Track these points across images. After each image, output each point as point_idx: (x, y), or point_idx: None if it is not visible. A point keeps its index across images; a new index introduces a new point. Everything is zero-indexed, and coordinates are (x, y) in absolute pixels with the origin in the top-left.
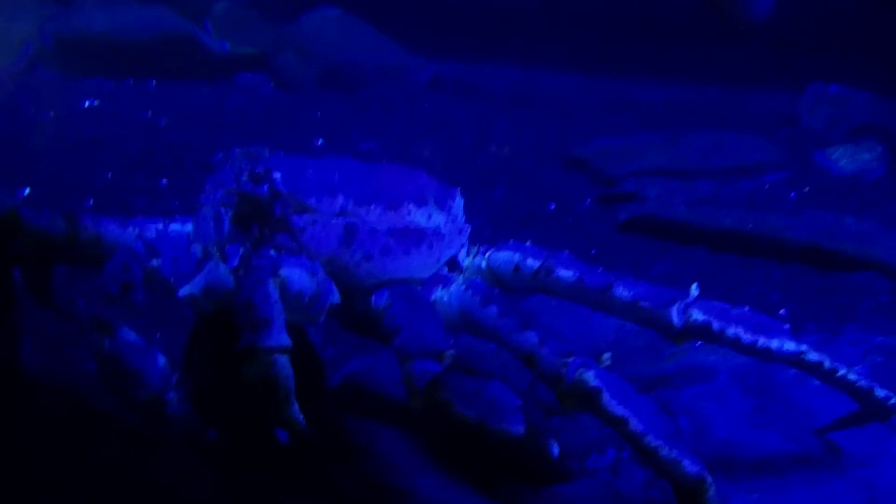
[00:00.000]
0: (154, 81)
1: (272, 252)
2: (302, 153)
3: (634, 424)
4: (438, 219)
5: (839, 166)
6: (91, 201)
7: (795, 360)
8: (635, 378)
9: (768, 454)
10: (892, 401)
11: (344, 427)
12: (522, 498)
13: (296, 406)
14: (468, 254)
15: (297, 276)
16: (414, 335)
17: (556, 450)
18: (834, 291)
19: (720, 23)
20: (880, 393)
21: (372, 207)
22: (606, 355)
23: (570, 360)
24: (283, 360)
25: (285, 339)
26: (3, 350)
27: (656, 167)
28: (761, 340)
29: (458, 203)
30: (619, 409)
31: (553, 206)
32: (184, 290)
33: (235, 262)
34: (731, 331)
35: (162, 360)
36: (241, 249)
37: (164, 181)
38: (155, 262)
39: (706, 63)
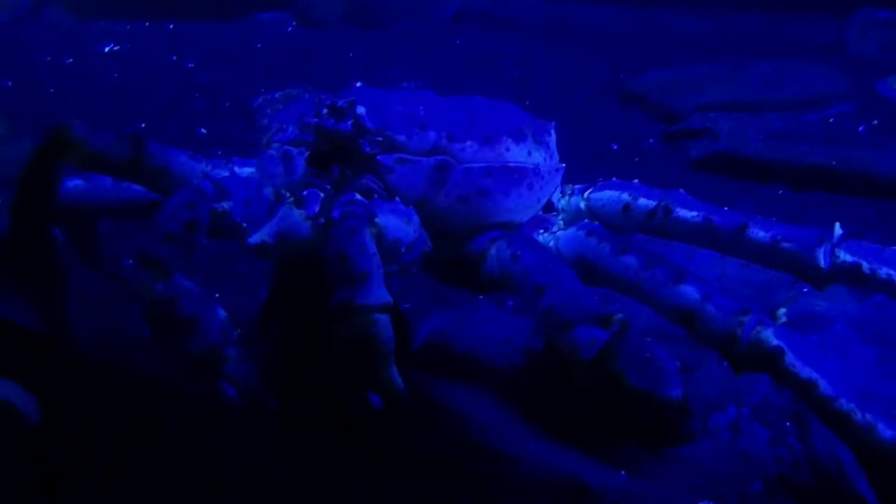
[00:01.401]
0: (171, 23)
1: (357, 196)
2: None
3: (824, 387)
4: (538, 155)
5: None
6: None
7: None
8: None
9: None
10: None
11: (435, 391)
12: (646, 462)
13: (395, 368)
14: (562, 194)
15: (392, 223)
16: (566, 294)
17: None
18: None
19: None
20: None
21: (467, 143)
22: (782, 311)
23: (747, 318)
24: (384, 319)
25: (385, 296)
26: (51, 315)
27: (721, 100)
28: None
29: (553, 138)
30: (805, 371)
31: (616, 147)
32: (254, 238)
33: (316, 208)
34: (884, 272)
35: (222, 313)
36: (322, 194)
37: (203, 129)
38: (225, 205)
39: None
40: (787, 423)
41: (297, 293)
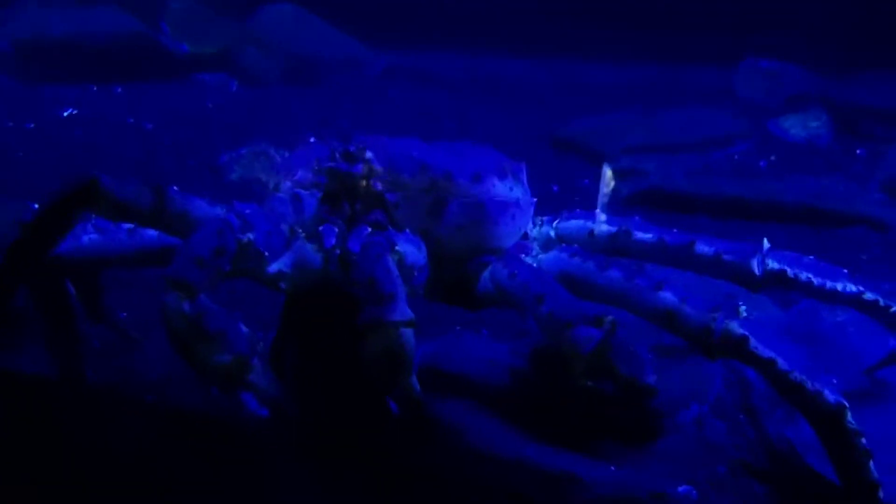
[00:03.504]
0: (118, 86)
1: (369, 229)
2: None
3: (781, 363)
4: (517, 190)
5: (792, 134)
6: None
7: (856, 299)
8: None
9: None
10: None
11: (434, 409)
12: (630, 456)
13: (415, 376)
14: (533, 224)
15: (409, 250)
16: (563, 301)
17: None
18: (834, 247)
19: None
20: None
21: (461, 181)
22: (743, 307)
23: (718, 314)
24: (409, 333)
25: (410, 313)
26: (68, 363)
27: (642, 143)
28: (828, 283)
29: (525, 176)
30: (766, 353)
31: (556, 188)
32: (273, 267)
33: (333, 241)
34: (804, 276)
35: (245, 328)
36: (336, 229)
37: (175, 186)
38: (250, 235)
39: (644, 45)
40: (740, 416)
41: (308, 321)
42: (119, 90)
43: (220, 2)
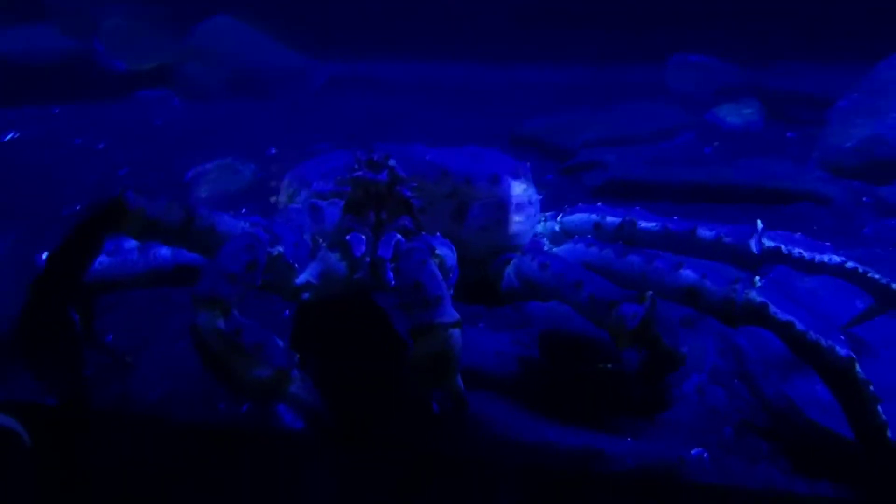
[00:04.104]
0: (56, 107)
1: (398, 235)
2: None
3: (799, 325)
4: (530, 189)
5: (728, 122)
6: None
7: (840, 269)
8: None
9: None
10: None
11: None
12: (643, 428)
13: (459, 375)
14: (538, 221)
15: (446, 253)
16: (600, 284)
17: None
18: (785, 222)
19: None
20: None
21: (479, 184)
22: (757, 278)
23: (738, 285)
24: (457, 333)
25: (456, 314)
26: (72, 386)
27: (598, 137)
28: (817, 256)
29: (531, 175)
30: (784, 316)
31: None
32: (301, 278)
33: (363, 249)
34: (796, 251)
35: (279, 340)
36: (364, 237)
37: None
38: (280, 248)
39: (580, 47)
40: (735, 381)
41: (323, 330)
42: (57, 110)
43: (157, 17)
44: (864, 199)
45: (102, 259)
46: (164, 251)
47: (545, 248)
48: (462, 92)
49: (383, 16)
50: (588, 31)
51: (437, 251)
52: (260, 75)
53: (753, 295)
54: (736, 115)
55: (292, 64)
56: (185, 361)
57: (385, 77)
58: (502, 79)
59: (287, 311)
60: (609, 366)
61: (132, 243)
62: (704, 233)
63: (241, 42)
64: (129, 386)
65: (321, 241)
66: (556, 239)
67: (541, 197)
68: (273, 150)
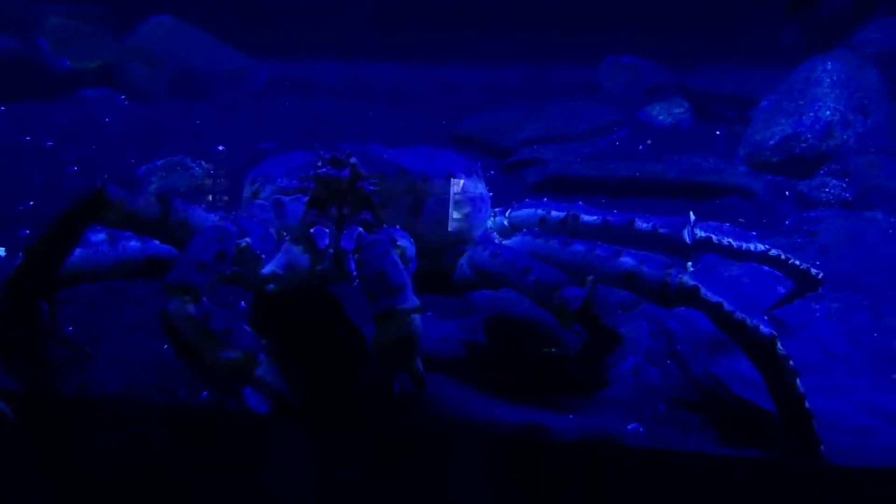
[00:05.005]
0: (1, 105)
1: (361, 229)
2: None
3: (727, 305)
4: (480, 186)
5: (660, 120)
6: (28, 233)
7: (764, 256)
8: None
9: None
10: (821, 275)
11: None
12: (584, 405)
13: (419, 358)
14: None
15: (407, 244)
16: (545, 270)
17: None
18: (714, 214)
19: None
20: (814, 271)
21: (435, 181)
22: (689, 264)
23: (672, 270)
24: (418, 318)
25: (417, 300)
26: (40, 376)
27: (536, 135)
28: (744, 245)
29: (482, 172)
30: (714, 298)
31: None
32: (267, 269)
33: (326, 242)
34: (725, 241)
35: (247, 326)
36: (327, 230)
37: None
38: (248, 239)
39: (513, 47)
40: (668, 361)
41: (283, 318)
42: (3, 108)
43: (99, 17)
44: (785, 192)
45: (77, 250)
46: (134, 243)
47: (496, 242)
48: (400, 92)
49: (319, 18)
50: (522, 32)
51: (399, 242)
52: (202, 75)
53: (686, 279)
54: (667, 113)
55: (234, 64)
56: (142, 353)
57: (321, 79)
58: (438, 79)
59: (242, 303)
60: (552, 350)
61: (101, 236)
62: (641, 225)
63: (183, 42)
64: (90, 376)
65: (285, 234)
66: (504, 233)
67: (491, 194)
68: (221, 148)
